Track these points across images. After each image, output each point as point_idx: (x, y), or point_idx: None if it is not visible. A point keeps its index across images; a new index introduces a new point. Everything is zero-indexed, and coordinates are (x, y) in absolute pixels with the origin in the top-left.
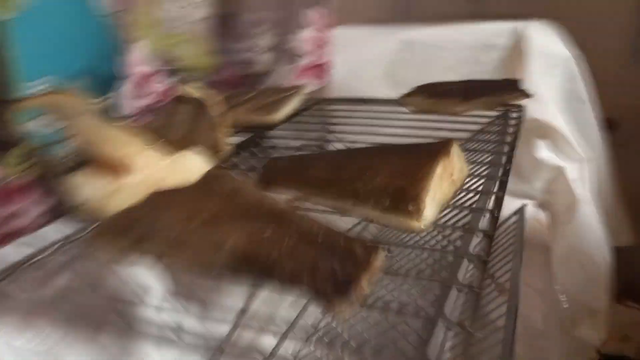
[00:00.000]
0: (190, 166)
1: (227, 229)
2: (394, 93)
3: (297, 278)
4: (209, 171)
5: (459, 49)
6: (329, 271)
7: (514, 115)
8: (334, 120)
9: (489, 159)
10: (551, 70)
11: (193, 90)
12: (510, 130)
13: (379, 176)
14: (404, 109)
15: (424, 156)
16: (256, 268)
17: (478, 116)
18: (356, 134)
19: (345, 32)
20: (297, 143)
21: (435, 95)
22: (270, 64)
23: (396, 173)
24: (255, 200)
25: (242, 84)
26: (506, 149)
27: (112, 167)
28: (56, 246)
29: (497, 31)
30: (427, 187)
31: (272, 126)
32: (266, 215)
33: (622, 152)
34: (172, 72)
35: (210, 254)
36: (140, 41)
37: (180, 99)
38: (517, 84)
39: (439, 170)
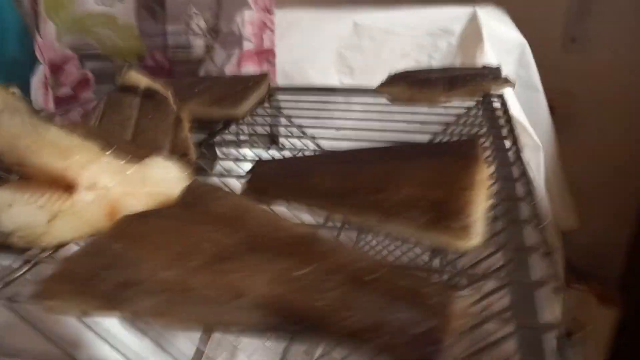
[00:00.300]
0: (161, 177)
1: (242, 269)
2: (348, 80)
3: (361, 334)
4: (191, 184)
5: (415, 34)
6: (399, 324)
7: (495, 104)
8: (293, 112)
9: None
10: (506, 57)
11: (141, 78)
12: (501, 122)
13: (406, 186)
14: (368, 98)
15: (455, 160)
16: (295, 324)
17: (451, 107)
18: (318, 127)
19: (290, 14)
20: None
21: (417, 85)
22: (206, 49)
23: (428, 182)
24: (269, 223)
25: (173, 72)
26: (509, 144)
27: (53, 182)
28: None
29: (453, 16)
30: (472, 198)
31: (232, 121)
32: (289, 244)
33: (557, 138)
34: (91, 58)
35: (229, 308)
36: (49, 22)
37: (127, 89)
38: (499, 71)
39: (481, 177)
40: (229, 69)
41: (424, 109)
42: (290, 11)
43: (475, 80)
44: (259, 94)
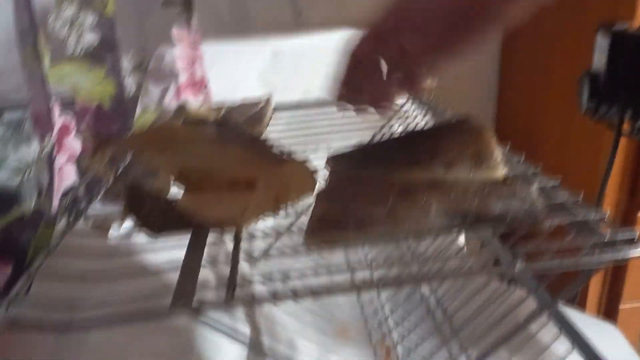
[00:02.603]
0: (298, 174)
1: (418, 199)
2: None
3: (495, 218)
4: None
5: (324, 54)
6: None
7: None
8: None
9: None
10: None
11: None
12: (440, 109)
13: (449, 150)
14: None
15: (469, 128)
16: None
17: None
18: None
19: (215, 48)
20: None
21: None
22: (137, 86)
23: (462, 144)
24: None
25: (108, 113)
26: None
27: (233, 185)
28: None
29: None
30: (493, 147)
31: None
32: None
33: None
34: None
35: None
36: None
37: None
38: None
39: (490, 135)
40: (167, 102)
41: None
42: (214, 45)
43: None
44: (269, 114)
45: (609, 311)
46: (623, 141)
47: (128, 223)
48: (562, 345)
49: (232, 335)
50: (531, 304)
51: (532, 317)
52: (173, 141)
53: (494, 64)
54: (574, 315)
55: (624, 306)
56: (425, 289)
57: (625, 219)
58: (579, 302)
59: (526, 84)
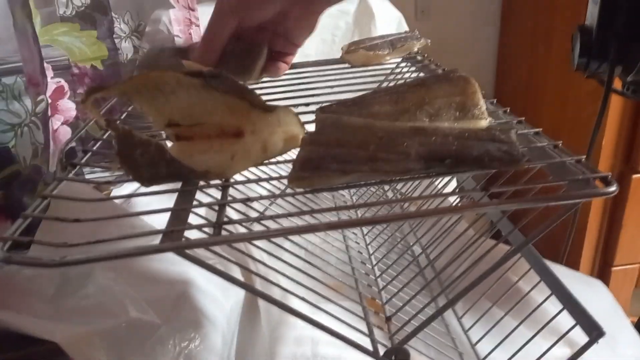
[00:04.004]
0: (287, 119)
1: (399, 143)
2: None
3: (475, 160)
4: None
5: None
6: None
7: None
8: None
9: None
10: (387, 27)
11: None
12: (432, 67)
13: (437, 98)
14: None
15: (456, 79)
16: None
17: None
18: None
19: (210, 9)
20: None
21: (369, 50)
22: (134, 49)
23: (450, 94)
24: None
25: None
26: None
27: (221, 133)
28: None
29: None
30: (478, 97)
31: None
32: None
33: None
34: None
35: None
36: None
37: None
38: (418, 34)
39: (476, 86)
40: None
41: (357, 71)
42: (210, 7)
43: (406, 41)
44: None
45: (601, 274)
46: (619, 106)
47: (121, 175)
48: (542, 293)
49: (217, 270)
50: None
51: (506, 258)
52: (162, 88)
53: (495, 22)
54: (561, 271)
55: (616, 269)
56: (417, 248)
57: (619, 182)
58: (572, 265)
59: (526, 42)
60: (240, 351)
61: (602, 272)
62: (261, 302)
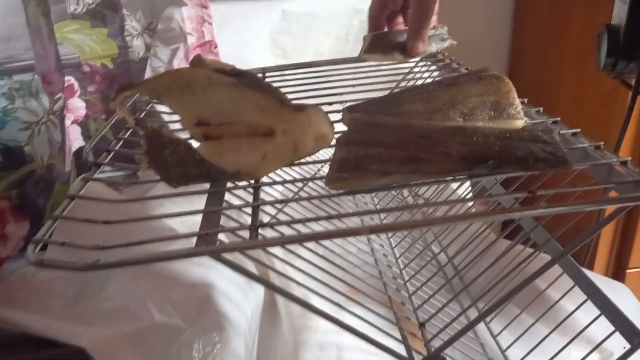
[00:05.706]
0: (317, 119)
1: (439, 143)
2: (282, 61)
3: (520, 160)
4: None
5: (334, 15)
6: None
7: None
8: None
9: None
10: None
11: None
12: (454, 65)
13: (471, 97)
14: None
15: (489, 78)
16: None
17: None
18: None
19: (223, 8)
20: None
21: (388, 49)
22: (146, 47)
23: (483, 93)
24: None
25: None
26: None
27: (251, 133)
28: None
29: None
30: (514, 97)
31: None
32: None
33: None
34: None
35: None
36: None
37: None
38: (445, 32)
39: (510, 85)
40: (177, 63)
41: (375, 70)
42: (223, 5)
43: (432, 40)
44: None
45: (615, 276)
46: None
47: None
48: (576, 298)
49: (253, 275)
50: (544, 258)
51: (543, 269)
52: (193, 85)
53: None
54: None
55: (630, 271)
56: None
57: None
58: (587, 266)
59: (540, 40)
60: (262, 356)
61: (617, 274)
62: (282, 307)
